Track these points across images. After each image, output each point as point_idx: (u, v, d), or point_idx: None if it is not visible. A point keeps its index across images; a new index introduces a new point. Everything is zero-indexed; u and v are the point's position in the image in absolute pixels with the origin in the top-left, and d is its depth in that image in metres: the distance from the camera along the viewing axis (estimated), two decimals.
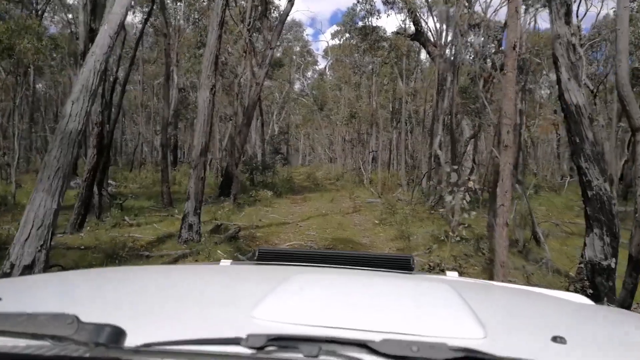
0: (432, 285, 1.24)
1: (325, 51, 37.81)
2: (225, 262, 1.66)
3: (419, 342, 0.62)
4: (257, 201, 13.89)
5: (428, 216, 12.10)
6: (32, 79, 21.22)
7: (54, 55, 19.52)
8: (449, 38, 14.74)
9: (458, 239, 7.93)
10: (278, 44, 18.04)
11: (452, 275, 1.73)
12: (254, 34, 17.75)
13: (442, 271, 5.04)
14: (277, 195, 16.06)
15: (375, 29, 19.83)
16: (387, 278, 1.35)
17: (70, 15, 21.67)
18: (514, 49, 4.54)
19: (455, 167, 5.52)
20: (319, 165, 44.02)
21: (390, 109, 24.43)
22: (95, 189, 9.43)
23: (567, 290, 5.40)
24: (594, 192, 5.30)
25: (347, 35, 20.84)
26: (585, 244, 5.40)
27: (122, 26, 7.67)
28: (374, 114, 22.49)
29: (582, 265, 5.38)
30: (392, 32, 19.66)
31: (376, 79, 23.49)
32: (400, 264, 1.61)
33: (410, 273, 1.55)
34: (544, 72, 21.41)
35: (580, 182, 5.47)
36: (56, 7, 22.85)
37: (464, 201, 5.52)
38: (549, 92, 22.70)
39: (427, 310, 0.94)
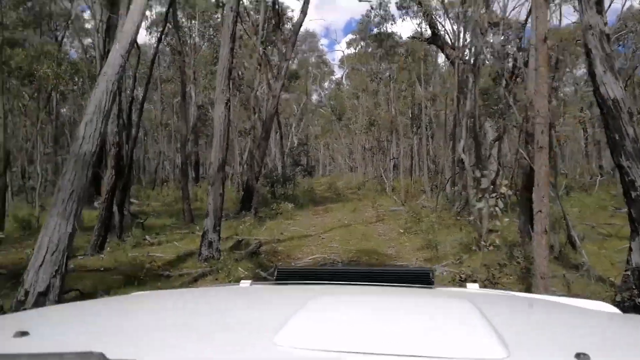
0: (452, 302, 1.23)
1: (341, 60, 37.77)
2: (245, 283, 1.68)
3: None
4: (279, 214, 13.69)
5: (454, 223, 11.68)
6: (55, 103, 21.69)
7: (75, 79, 19.94)
8: (468, 39, 14.38)
9: (490, 247, 7.55)
10: (293, 55, 17.95)
11: (472, 287, 1.71)
12: (269, 47, 17.76)
13: (472, 280, 4.69)
14: (299, 207, 15.86)
15: (390, 35, 19.60)
16: (407, 297, 1.36)
17: (89, 40, 22.14)
18: (544, 41, 4.22)
19: (486, 172, 5.16)
20: (339, 175, 43.80)
21: (410, 115, 24.06)
22: (115, 209, 9.41)
23: (614, 300, 4.98)
24: (639, 192, 4.89)
25: (362, 43, 20.65)
26: (631, 249, 4.98)
27: (133, 44, 7.65)
28: (393, 121, 22.17)
29: (628, 273, 4.96)
30: (408, 37, 19.41)
31: (394, 85, 23.22)
32: (420, 278, 1.60)
33: (430, 287, 1.55)
34: (567, 69, 20.74)
35: (622, 182, 5.06)
36: (75, 32, 23.39)
37: (497, 208, 5.14)
38: (573, 89, 22.00)
39: (447, 331, 0.93)
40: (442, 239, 9.11)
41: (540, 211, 4.11)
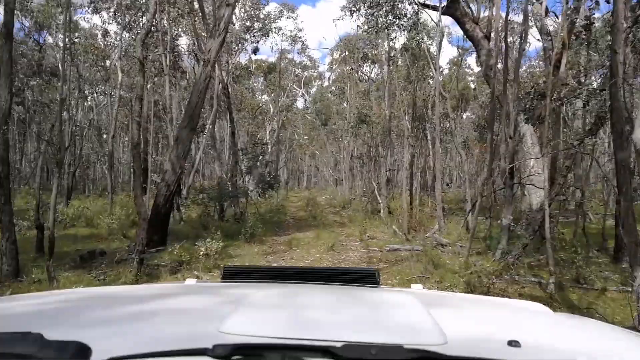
0: (395, 296, 1.25)
1: (331, 63, 32.47)
2: (191, 281, 1.65)
3: (377, 346, 0.68)
4: (206, 255, 8.04)
5: (510, 288, 6.17)
6: None
7: None
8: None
9: None
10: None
11: (416, 287, 1.71)
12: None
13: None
14: (247, 237, 10.22)
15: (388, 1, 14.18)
16: (351, 290, 1.36)
17: None
18: None
19: None
20: (322, 188, 38.28)
21: (411, 115, 18.64)
22: None
23: None
24: None
25: (350, 16, 15.17)
26: None
27: None
28: (391, 118, 16.72)
29: None
30: (413, 2, 14.02)
31: (393, 72, 17.87)
32: (366, 278, 1.58)
33: (376, 287, 1.54)
34: None
35: None
36: None
37: None
38: None
39: (388, 319, 0.97)
40: None
41: None
